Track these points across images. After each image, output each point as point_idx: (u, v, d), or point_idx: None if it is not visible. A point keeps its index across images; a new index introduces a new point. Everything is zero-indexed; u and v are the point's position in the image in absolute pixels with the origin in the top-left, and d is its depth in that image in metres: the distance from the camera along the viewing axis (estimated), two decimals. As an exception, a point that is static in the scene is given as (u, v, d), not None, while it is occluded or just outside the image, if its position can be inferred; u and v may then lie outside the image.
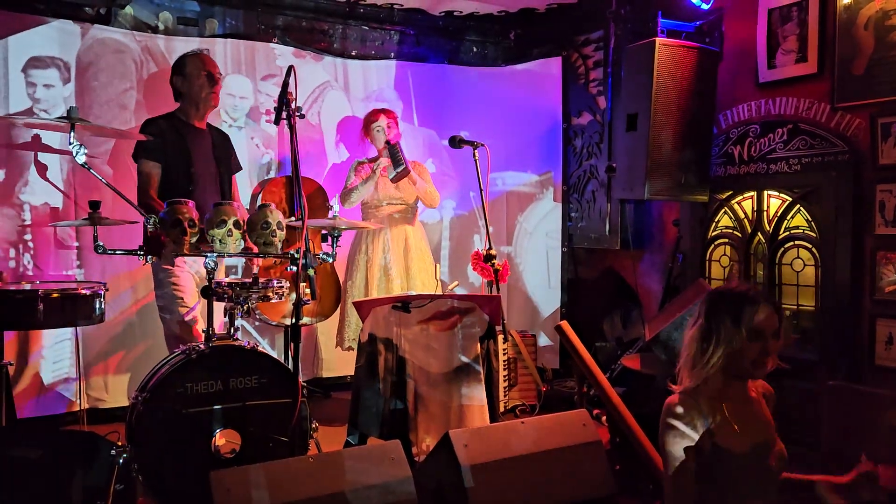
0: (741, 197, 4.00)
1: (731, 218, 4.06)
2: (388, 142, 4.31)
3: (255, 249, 2.94)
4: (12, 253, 3.93)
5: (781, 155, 3.76)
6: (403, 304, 3.34)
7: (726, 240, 4.10)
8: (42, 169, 3.99)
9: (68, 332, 3.93)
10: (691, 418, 1.95)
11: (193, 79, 3.53)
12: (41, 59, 3.99)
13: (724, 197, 4.07)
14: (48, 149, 3.97)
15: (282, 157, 4.71)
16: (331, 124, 4.92)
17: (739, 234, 4.01)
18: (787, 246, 3.81)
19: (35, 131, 3.90)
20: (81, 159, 2.72)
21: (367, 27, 5.10)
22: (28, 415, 3.90)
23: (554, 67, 5.19)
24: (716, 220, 4.15)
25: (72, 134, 2.70)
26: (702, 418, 1.94)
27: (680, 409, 1.96)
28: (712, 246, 4.17)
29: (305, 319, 4.27)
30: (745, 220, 3.98)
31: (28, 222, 3.96)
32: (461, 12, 5.19)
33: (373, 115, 4.40)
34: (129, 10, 4.27)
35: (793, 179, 3.72)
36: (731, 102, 4.04)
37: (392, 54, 5.18)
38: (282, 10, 4.78)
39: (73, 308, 2.99)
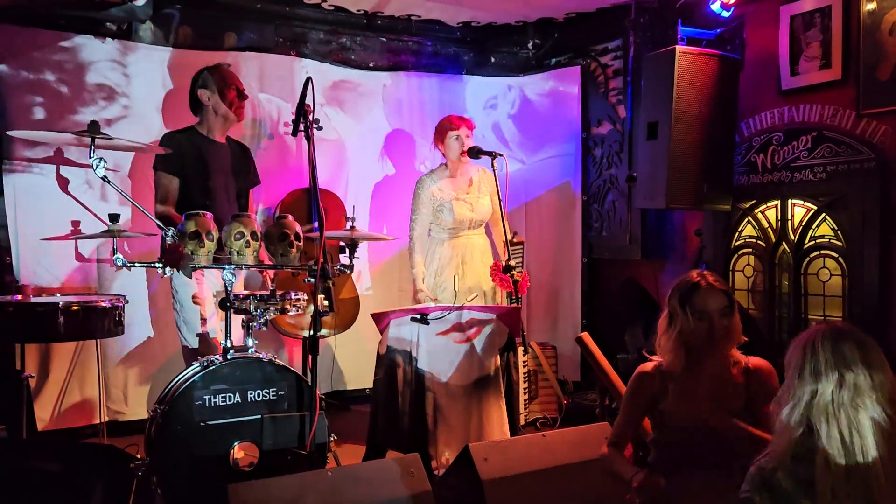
0: (765, 206, 3.94)
1: (754, 227, 4.00)
2: (471, 149, 3.84)
3: (270, 261, 2.93)
4: (34, 266, 3.96)
5: (806, 163, 3.70)
6: (422, 315, 3.32)
7: (750, 249, 4.03)
8: (63, 183, 4.02)
9: (89, 344, 3.95)
10: (641, 382, 2.33)
11: (224, 93, 3.52)
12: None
13: (747, 206, 4.00)
14: (70, 162, 4.00)
15: (298, 168, 4.71)
16: (347, 137, 4.92)
17: (763, 244, 3.95)
18: (812, 255, 3.74)
19: (57, 145, 3.94)
20: (101, 173, 2.74)
21: (385, 38, 5.11)
22: (48, 427, 3.92)
23: (573, 77, 5.16)
24: (739, 229, 4.08)
25: (92, 148, 2.71)
26: (656, 385, 2.29)
27: (641, 372, 2.34)
28: (736, 256, 4.11)
29: (324, 331, 4.26)
30: (769, 229, 3.92)
31: (49, 235, 3.99)
32: (479, 23, 5.19)
33: (452, 122, 3.89)
34: (148, 24, 4.32)
35: (818, 188, 3.65)
36: (753, 110, 3.99)
37: (410, 65, 5.19)
38: (300, 23, 4.80)
39: (94, 321, 3.00)
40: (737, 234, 4.09)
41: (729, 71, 3.87)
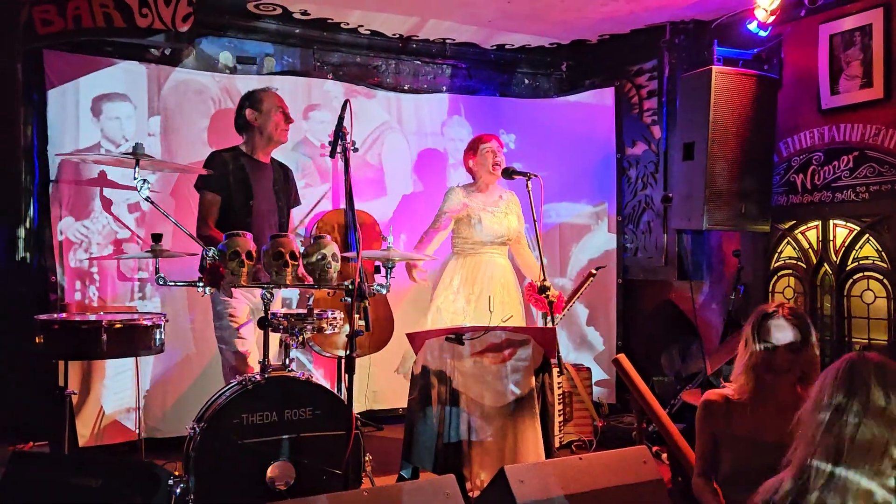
0: (805, 226, 3.88)
1: (794, 248, 3.93)
2: (506, 169, 3.96)
3: (310, 281, 2.96)
4: (77, 285, 4.05)
5: (847, 183, 3.63)
6: (457, 335, 3.31)
7: (790, 270, 3.96)
8: (107, 203, 4.13)
9: (129, 362, 4.02)
10: (706, 409, 2.38)
11: (271, 115, 3.59)
12: (113, 97, 4.17)
13: (786, 227, 3.94)
14: (114, 184, 4.11)
15: (335, 190, 4.77)
16: (388, 162, 4.97)
17: (804, 265, 3.87)
18: (856, 277, 3.66)
19: (101, 167, 4.05)
20: (145, 194, 2.80)
21: (420, 62, 5.18)
22: (89, 443, 3.98)
23: (607, 98, 5.16)
24: (778, 250, 4.02)
25: (136, 169, 2.78)
26: (723, 410, 2.34)
27: (705, 399, 2.40)
28: (775, 277, 4.04)
29: (358, 351, 4.27)
30: (810, 250, 3.85)
31: (92, 255, 4.09)
32: (513, 45, 5.22)
33: (483, 137, 4.05)
34: (191, 50, 4.44)
35: (861, 208, 3.58)
36: (792, 130, 3.94)
37: (444, 88, 5.24)
38: (337, 48, 4.90)
39: (135, 338, 3.06)
40: (776, 255, 4.03)
41: (767, 90, 3.84)
